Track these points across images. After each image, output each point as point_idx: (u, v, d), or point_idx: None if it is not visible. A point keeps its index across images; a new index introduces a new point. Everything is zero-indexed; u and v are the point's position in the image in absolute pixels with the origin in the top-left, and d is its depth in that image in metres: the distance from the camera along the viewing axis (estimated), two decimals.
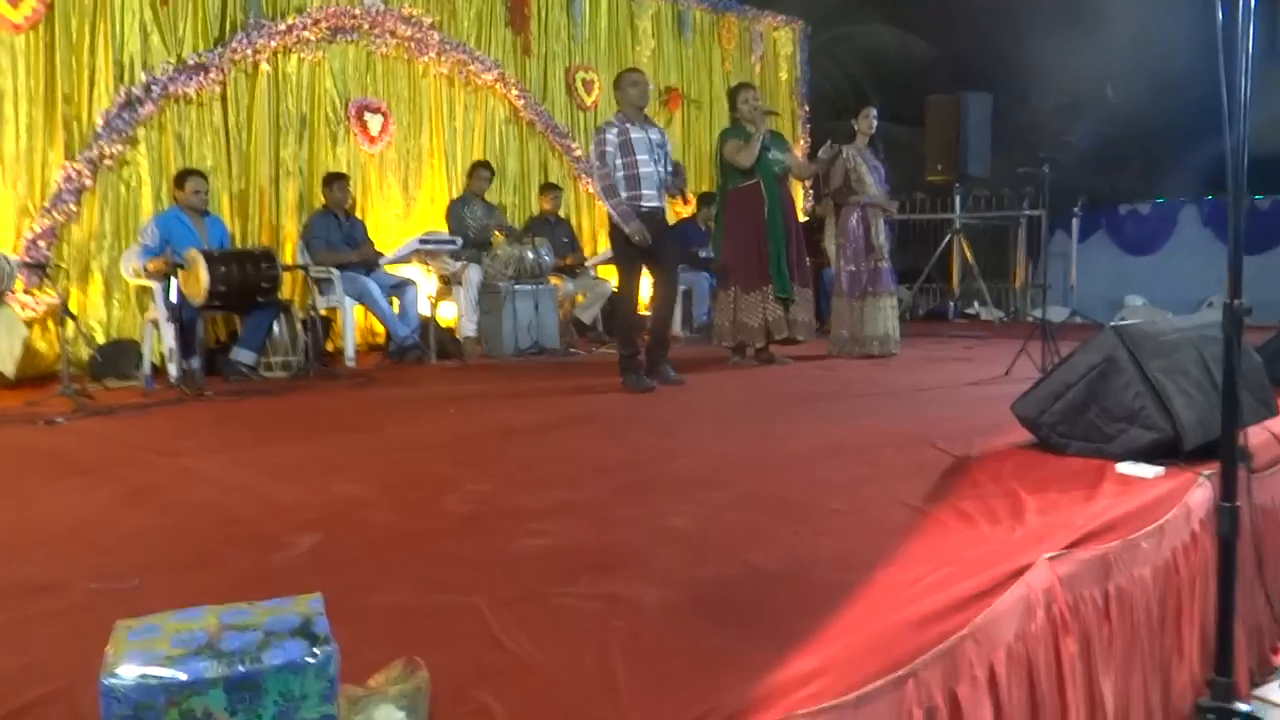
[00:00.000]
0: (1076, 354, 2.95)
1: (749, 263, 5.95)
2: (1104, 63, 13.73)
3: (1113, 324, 2.87)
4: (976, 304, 10.31)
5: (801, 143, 10.93)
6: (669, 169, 5.28)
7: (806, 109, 11.05)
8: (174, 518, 2.61)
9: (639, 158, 5.08)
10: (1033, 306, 10.82)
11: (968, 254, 9.58)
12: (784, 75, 10.79)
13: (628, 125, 5.13)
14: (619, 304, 5.52)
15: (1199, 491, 2.52)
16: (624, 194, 5.06)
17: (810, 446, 3.36)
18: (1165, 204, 11.80)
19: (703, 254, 8.35)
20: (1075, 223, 9.90)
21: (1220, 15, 2.74)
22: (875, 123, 6.45)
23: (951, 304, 10.19)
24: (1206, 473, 2.57)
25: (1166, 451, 2.71)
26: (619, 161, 5.08)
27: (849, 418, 4.01)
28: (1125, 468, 2.67)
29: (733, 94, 6.18)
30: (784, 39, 10.80)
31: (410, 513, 2.59)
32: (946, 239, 9.58)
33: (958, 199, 9.63)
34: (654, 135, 5.21)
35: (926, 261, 9.79)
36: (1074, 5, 13.96)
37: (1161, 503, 2.40)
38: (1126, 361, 2.77)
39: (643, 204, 5.08)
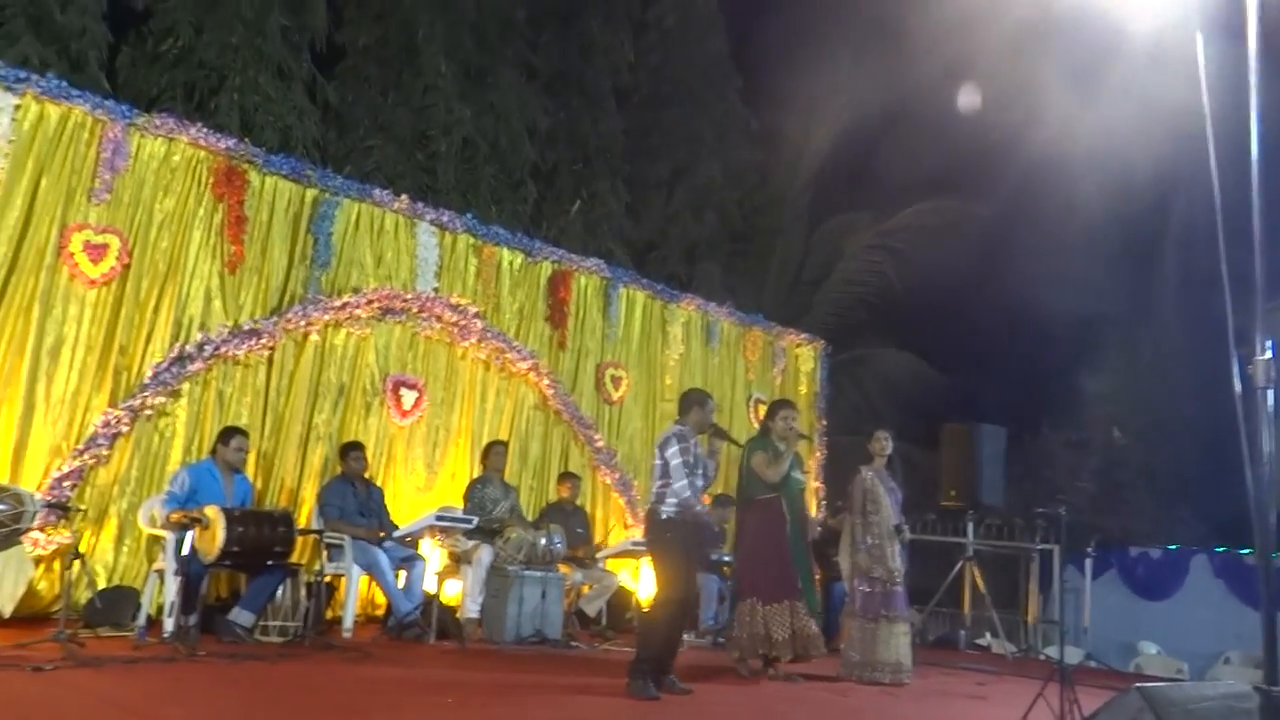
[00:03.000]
0: (1100, 714, 2.88)
1: (772, 574, 5.89)
2: (1111, 406, 14.27)
3: (1138, 685, 2.82)
4: (988, 635, 10.06)
5: (818, 454, 11.17)
6: (710, 476, 5.45)
7: (824, 424, 11.37)
8: None
9: (696, 472, 5.27)
10: (1045, 643, 10.54)
11: (980, 583, 9.48)
12: (803, 389, 11.19)
13: (690, 440, 5.34)
14: (663, 607, 5.25)
15: None
16: (679, 501, 5.15)
17: None
18: (1177, 551, 11.77)
19: (715, 556, 8.31)
20: (1089, 563, 9.85)
21: (1239, 386, 2.89)
22: (889, 445, 6.62)
23: (963, 633, 9.95)
24: None
25: None
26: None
27: None
28: None
29: (774, 408, 6.31)
30: (805, 356, 11.31)
31: None
32: (959, 566, 9.52)
33: (970, 526, 9.66)
34: (700, 449, 5.42)
35: (935, 582, 9.66)
36: (1082, 348, 14.70)
37: None
38: None
39: (694, 512, 5.23)
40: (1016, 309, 14.45)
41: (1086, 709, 4.77)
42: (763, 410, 10.36)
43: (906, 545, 6.56)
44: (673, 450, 5.22)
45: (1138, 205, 14.08)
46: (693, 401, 5.52)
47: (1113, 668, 9.04)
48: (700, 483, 5.29)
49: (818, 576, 9.21)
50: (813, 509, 10.87)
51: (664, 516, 5.16)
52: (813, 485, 11.09)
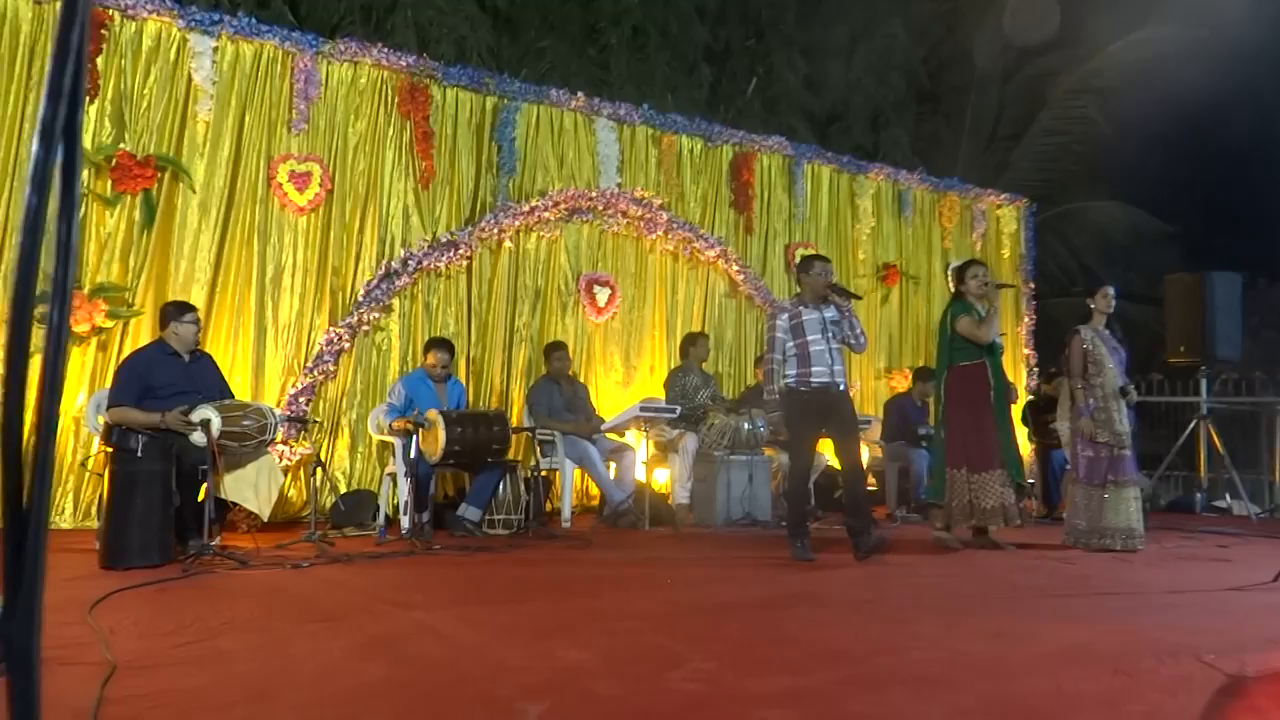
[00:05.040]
0: None
1: (980, 442, 5.76)
2: None
3: None
4: (1227, 496, 9.44)
5: (1026, 319, 10.63)
6: (850, 341, 5.36)
7: (1032, 286, 10.77)
8: (409, 672, 2.69)
9: (810, 337, 5.27)
10: None
11: (1217, 442, 8.85)
12: (1006, 253, 10.61)
13: (800, 309, 5.36)
14: (790, 474, 5.69)
15: None
16: (795, 371, 5.28)
17: (1055, 649, 3.11)
18: None
19: (921, 430, 8.13)
20: None
21: None
22: (1114, 302, 6.19)
23: (1199, 495, 9.38)
24: None
25: None
26: (791, 343, 5.31)
27: (1094, 618, 3.69)
28: None
29: (960, 270, 6.12)
30: (1007, 217, 10.68)
31: (635, 687, 2.56)
32: (1192, 425, 8.91)
33: (1204, 382, 8.99)
34: (829, 314, 5.33)
35: (1165, 446, 9.12)
36: None
37: None
38: None
39: (812, 380, 5.24)
40: (1245, 142, 13.03)
41: None
42: None
43: (1134, 406, 6.17)
44: (772, 325, 5.42)
45: None
46: (799, 271, 5.56)
47: None
48: (831, 345, 5.26)
49: (1034, 445, 8.93)
50: (1019, 376, 10.42)
51: (786, 386, 5.32)
52: (1022, 351, 10.60)
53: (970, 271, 5.97)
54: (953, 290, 6.31)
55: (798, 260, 5.73)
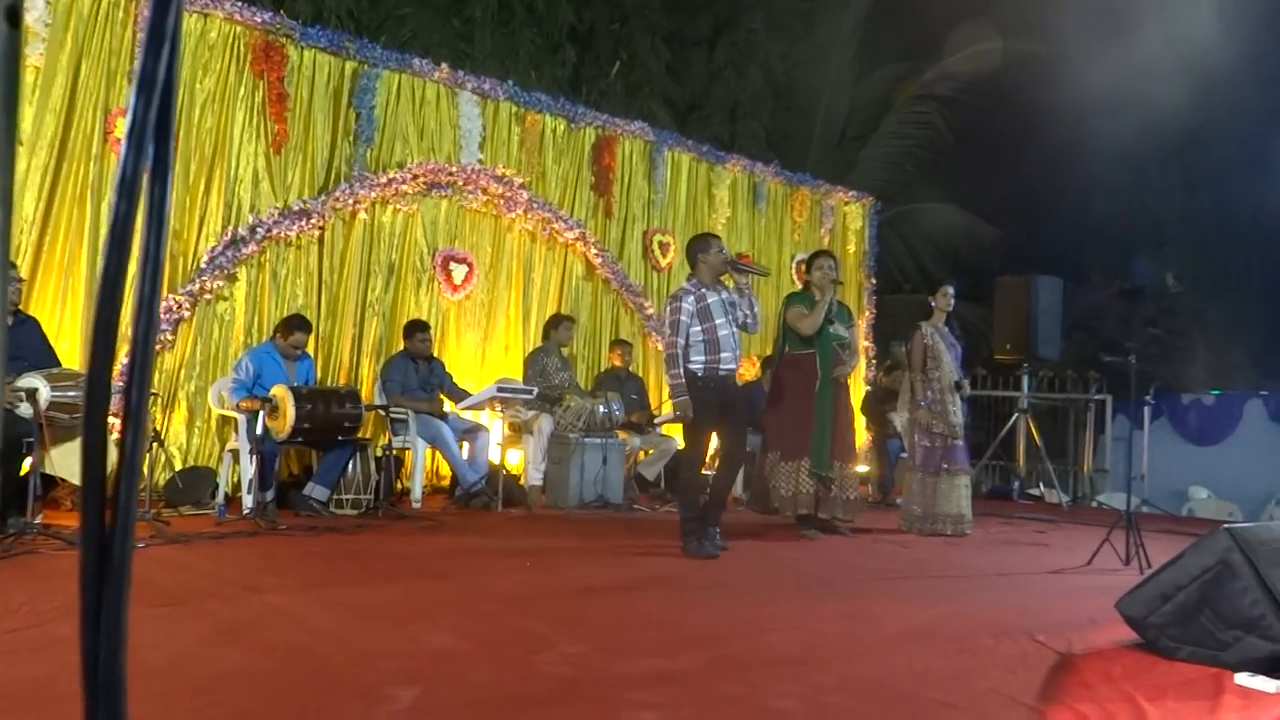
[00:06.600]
0: (1186, 554, 2.88)
1: (792, 432, 5.79)
2: (1165, 252, 13.90)
3: (1226, 526, 2.81)
4: (1040, 485, 10.16)
5: (867, 314, 11.08)
6: (748, 321, 5.20)
7: (874, 282, 11.23)
8: (268, 660, 2.60)
9: (716, 321, 5.02)
10: (1096, 491, 10.64)
11: (1035, 435, 9.50)
12: (852, 248, 11.02)
13: (704, 290, 5.10)
14: (684, 464, 5.48)
15: None
16: (703, 358, 5.00)
17: (902, 629, 3.28)
18: (1230, 396, 11.69)
19: None
20: (1146, 411, 9.80)
21: None
22: (953, 300, 6.54)
23: (1016, 483, 10.05)
24: None
25: None
26: (697, 328, 5.01)
27: (935, 600, 3.91)
28: (1244, 679, 2.57)
29: (811, 259, 6.09)
30: (854, 213, 11.09)
31: (506, 671, 2.55)
32: (1014, 419, 9.53)
33: (1026, 379, 9.62)
34: (725, 296, 5.15)
35: (986, 437, 9.71)
36: (1134, 193, 14.22)
37: None
38: (1242, 566, 2.71)
39: (721, 367, 5.02)
40: (1067, 154, 13.92)
41: (1150, 551, 4.84)
42: None
43: (967, 400, 6.54)
44: (672, 308, 5.07)
45: (1204, 36, 13.32)
46: (695, 251, 5.23)
47: (1168, 512, 9.13)
48: (734, 330, 5.07)
49: (871, 434, 9.34)
50: (861, 366, 10.86)
51: (693, 374, 5.00)
52: (863, 344, 11.03)
53: (817, 262, 5.96)
54: (801, 282, 6.39)
55: (687, 245, 5.45)
